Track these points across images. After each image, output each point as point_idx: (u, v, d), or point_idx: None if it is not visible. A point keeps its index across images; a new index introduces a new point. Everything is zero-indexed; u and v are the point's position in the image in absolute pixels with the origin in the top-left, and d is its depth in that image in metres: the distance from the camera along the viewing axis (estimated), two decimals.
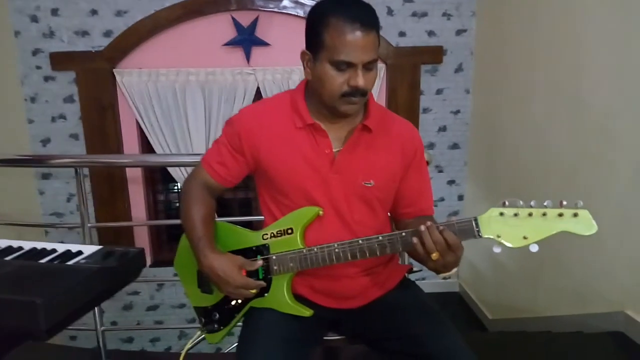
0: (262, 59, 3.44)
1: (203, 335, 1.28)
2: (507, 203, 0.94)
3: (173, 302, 3.78)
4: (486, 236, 0.96)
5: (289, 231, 1.14)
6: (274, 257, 1.16)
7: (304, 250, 1.12)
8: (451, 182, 3.82)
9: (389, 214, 1.28)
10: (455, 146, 3.75)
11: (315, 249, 1.11)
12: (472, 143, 3.72)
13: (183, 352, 1.21)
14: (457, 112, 3.69)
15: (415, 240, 1.00)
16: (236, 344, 1.16)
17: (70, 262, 1.04)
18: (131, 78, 3.42)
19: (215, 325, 1.24)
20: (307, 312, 1.15)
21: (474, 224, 0.97)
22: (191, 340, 1.26)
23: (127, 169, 3.58)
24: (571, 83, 2.37)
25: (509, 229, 0.94)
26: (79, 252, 1.09)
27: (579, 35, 2.31)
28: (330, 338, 1.29)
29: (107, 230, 3.59)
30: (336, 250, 1.08)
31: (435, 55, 3.56)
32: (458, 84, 3.64)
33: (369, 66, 1.05)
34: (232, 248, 1.21)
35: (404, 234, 1.01)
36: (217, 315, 1.23)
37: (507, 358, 2.00)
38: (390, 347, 1.15)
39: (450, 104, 3.67)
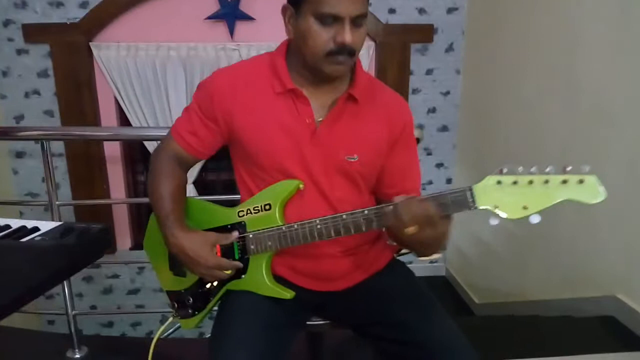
0: (246, 34, 3.31)
1: (178, 323, 1.19)
2: (505, 170, 0.85)
3: (154, 285, 3.67)
4: (482, 207, 0.86)
5: (267, 207, 1.04)
6: (250, 236, 1.06)
7: (283, 228, 1.02)
8: (440, 165, 3.75)
9: None
10: (444, 128, 3.67)
11: (295, 226, 1.01)
12: (462, 125, 3.64)
13: (153, 341, 1.12)
14: (447, 93, 3.61)
15: (389, 210, 0.91)
16: None
17: (24, 239, 0.94)
18: (109, 52, 3.27)
19: (190, 311, 1.14)
20: (287, 295, 1.05)
21: (468, 194, 0.88)
22: (162, 328, 1.17)
23: (105, 148, 3.45)
24: (565, 63, 2.29)
25: (507, 198, 0.84)
26: (35, 229, 0.98)
27: (573, 14, 2.22)
28: (314, 323, 1.19)
29: (84, 212, 3.47)
30: (318, 226, 0.99)
31: (425, 34, 3.45)
32: (448, 64, 3.54)
33: (357, 21, 0.94)
34: (205, 227, 1.11)
35: (392, 206, 0.92)
36: (191, 300, 1.14)
37: (494, 342, 1.95)
38: (378, 334, 1.07)
39: (441, 85, 3.58)
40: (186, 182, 1.15)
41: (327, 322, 1.19)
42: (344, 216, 0.97)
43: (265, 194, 1.06)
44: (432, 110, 3.63)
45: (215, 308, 1.14)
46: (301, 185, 1.03)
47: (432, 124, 3.65)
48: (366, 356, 1.77)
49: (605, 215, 1.99)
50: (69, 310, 1.77)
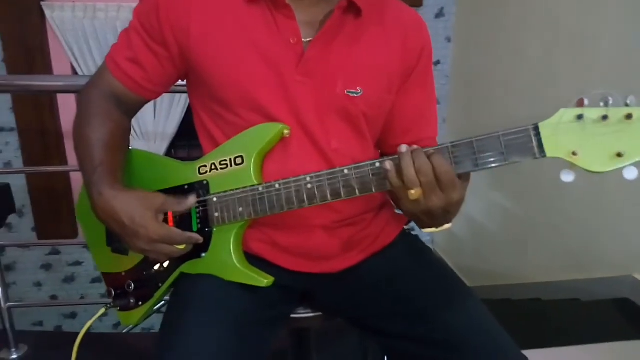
0: None
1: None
2: (586, 101, 0.58)
3: None
4: (552, 155, 0.60)
5: (238, 160, 0.77)
6: (214, 199, 0.78)
7: (260, 188, 0.75)
8: None
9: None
10: None
11: (277, 185, 0.74)
12: (452, 98, 3.42)
13: (79, 337, 0.86)
14: (437, 63, 3.36)
15: (388, 166, 0.66)
16: None
17: None
18: (63, 14, 2.90)
19: (131, 300, 0.86)
20: (264, 280, 0.78)
21: (532, 134, 0.61)
22: (90, 321, 0.90)
23: (62, 120, 3.11)
24: (575, 20, 2.05)
25: (591, 141, 0.57)
26: None
27: None
28: (301, 316, 0.91)
29: (39, 194, 3.13)
30: (309, 185, 0.71)
31: None
32: (438, 31, 3.29)
33: None
34: (154, 187, 0.83)
35: (391, 159, 0.67)
36: (133, 286, 0.86)
37: None
38: (388, 329, 0.80)
39: None
40: (128, 131, 0.86)
41: (318, 314, 0.91)
42: (346, 171, 0.70)
43: (236, 144, 0.78)
44: None
45: (167, 298, 0.86)
46: (286, 131, 0.76)
47: None
48: (360, 349, 1.53)
49: (618, 186, 1.78)
50: (2, 303, 1.47)
